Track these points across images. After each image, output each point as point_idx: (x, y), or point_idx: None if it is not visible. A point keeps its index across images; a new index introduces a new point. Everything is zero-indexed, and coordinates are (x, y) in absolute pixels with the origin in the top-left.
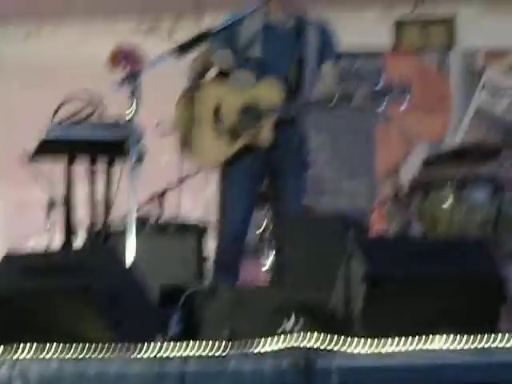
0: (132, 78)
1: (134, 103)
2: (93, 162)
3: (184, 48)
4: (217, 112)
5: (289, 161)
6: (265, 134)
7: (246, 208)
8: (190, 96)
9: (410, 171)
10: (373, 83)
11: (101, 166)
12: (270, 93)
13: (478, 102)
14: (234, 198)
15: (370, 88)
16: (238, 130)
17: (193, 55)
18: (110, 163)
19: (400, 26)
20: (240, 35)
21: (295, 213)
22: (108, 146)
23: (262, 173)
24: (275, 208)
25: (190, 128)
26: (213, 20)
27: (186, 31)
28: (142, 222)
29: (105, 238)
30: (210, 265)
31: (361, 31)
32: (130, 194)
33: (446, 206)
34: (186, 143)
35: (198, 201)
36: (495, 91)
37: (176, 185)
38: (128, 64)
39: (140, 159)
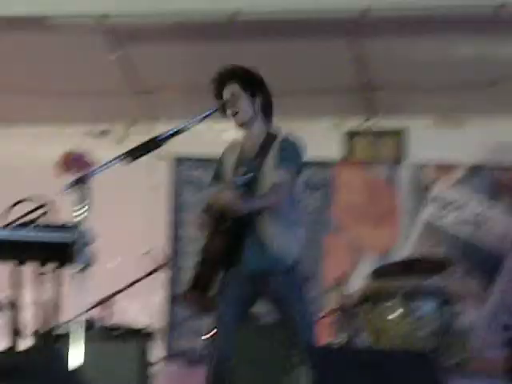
0: (82, 181)
1: (83, 207)
2: (41, 264)
3: (132, 154)
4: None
5: (280, 287)
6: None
7: (234, 327)
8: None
9: (357, 282)
10: None
11: (49, 269)
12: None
13: (427, 215)
14: (223, 318)
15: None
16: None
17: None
18: (59, 266)
19: (350, 136)
20: (222, 168)
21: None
22: (57, 249)
23: (251, 295)
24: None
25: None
26: (165, 128)
27: (139, 137)
28: (89, 326)
29: (52, 341)
30: (153, 370)
31: (312, 140)
32: (77, 297)
33: (393, 316)
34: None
35: (146, 306)
36: (443, 205)
37: (124, 289)
38: (78, 168)
39: (89, 263)
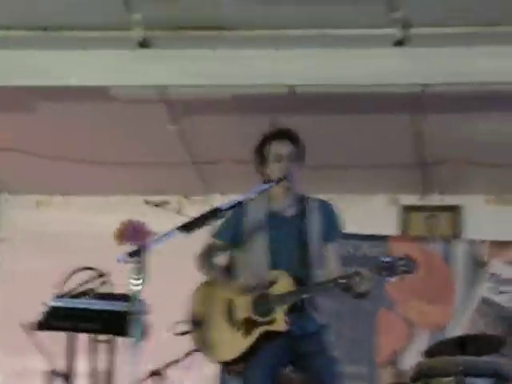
0: (139, 252)
1: (140, 278)
2: (96, 333)
3: (191, 225)
4: (230, 306)
5: (312, 344)
6: (280, 320)
7: None
8: (204, 291)
9: (411, 359)
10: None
11: (104, 338)
12: (280, 282)
13: (482, 292)
14: (256, 380)
15: (376, 262)
16: (253, 322)
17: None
18: (113, 335)
19: (407, 211)
20: (245, 223)
21: None
22: (112, 319)
23: (285, 359)
24: None
25: (204, 323)
26: (221, 201)
27: (195, 208)
28: None
29: None
30: None
31: (368, 215)
32: (131, 367)
33: None
34: (205, 342)
35: (198, 380)
36: (499, 282)
37: (177, 361)
38: (136, 239)
39: (143, 334)
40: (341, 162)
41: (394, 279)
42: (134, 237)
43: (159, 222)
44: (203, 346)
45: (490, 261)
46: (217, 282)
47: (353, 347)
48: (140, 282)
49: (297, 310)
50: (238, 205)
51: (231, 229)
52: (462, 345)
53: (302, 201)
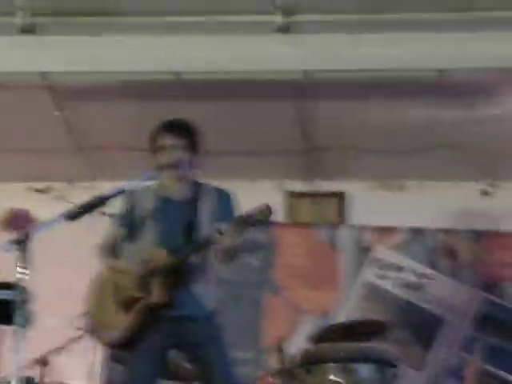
0: (23, 240)
1: (24, 266)
2: None
3: (76, 213)
4: (116, 288)
5: (203, 332)
6: (157, 292)
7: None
8: (97, 278)
9: (296, 344)
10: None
11: None
12: (157, 257)
13: (366, 277)
14: (138, 371)
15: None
16: (134, 299)
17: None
18: None
19: (292, 197)
20: (136, 210)
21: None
22: None
23: (170, 342)
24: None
25: (97, 308)
26: (107, 188)
27: (81, 195)
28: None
29: None
30: None
31: (254, 200)
32: (14, 355)
33: (331, 380)
34: (95, 326)
35: (83, 366)
36: (383, 267)
37: (61, 349)
38: (20, 227)
39: (27, 322)
40: (226, 149)
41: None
42: (18, 224)
43: (43, 208)
44: (93, 331)
45: (374, 246)
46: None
47: (238, 333)
48: (24, 269)
49: (179, 287)
50: (122, 192)
51: (127, 216)
52: (346, 330)
53: (195, 187)
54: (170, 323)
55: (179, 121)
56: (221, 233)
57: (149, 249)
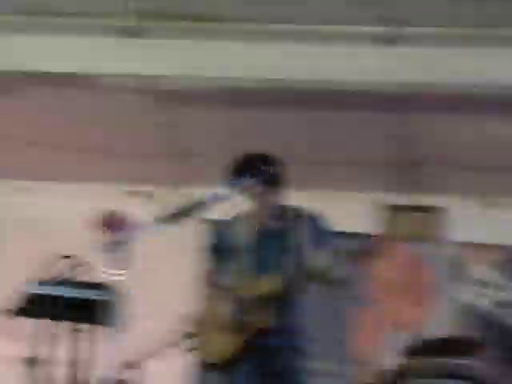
0: (121, 242)
1: (122, 268)
2: (76, 322)
3: (174, 217)
4: (224, 310)
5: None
6: (262, 318)
7: None
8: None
9: (387, 358)
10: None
11: (84, 327)
12: (269, 284)
13: (463, 295)
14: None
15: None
16: (240, 323)
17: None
18: (93, 324)
19: (391, 212)
20: (227, 241)
21: None
22: (92, 307)
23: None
24: None
25: (202, 325)
26: (206, 192)
27: (178, 200)
28: None
29: None
30: None
31: (350, 213)
32: (109, 357)
33: None
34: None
35: (175, 372)
36: (480, 285)
37: (155, 353)
38: (118, 229)
39: (122, 324)
40: (325, 159)
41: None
42: (116, 226)
43: (143, 212)
44: (199, 350)
45: (471, 263)
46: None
47: (325, 344)
48: (121, 271)
49: (281, 315)
50: (219, 200)
51: (219, 247)
52: (441, 346)
53: (285, 214)
54: (262, 352)
55: (248, 160)
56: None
57: (257, 276)
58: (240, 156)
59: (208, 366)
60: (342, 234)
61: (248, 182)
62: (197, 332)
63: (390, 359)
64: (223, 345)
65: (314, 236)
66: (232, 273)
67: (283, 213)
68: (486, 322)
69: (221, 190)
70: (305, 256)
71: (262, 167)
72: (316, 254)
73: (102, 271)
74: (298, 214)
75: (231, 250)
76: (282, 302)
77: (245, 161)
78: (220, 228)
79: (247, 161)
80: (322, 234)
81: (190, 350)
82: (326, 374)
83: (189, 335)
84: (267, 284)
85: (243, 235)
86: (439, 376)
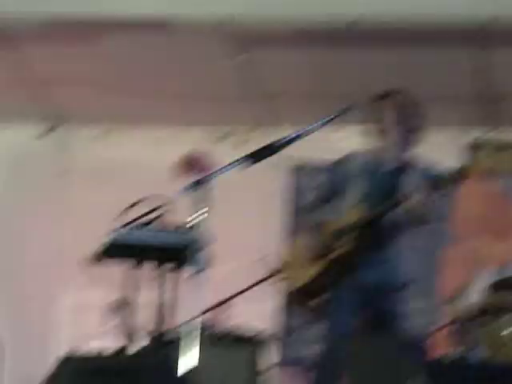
0: (201, 183)
1: (202, 209)
2: (158, 266)
3: (257, 155)
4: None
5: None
6: (347, 245)
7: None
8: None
9: (474, 295)
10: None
11: (166, 270)
12: (353, 214)
13: None
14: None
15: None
16: (326, 249)
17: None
18: (176, 268)
19: (472, 148)
20: (341, 180)
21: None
22: (174, 251)
23: (361, 307)
24: None
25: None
26: (288, 132)
27: (260, 141)
28: (205, 330)
29: (164, 344)
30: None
31: (433, 151)
32: (193, 300)
33: (507, 332)
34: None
35: (261, 312)
36: None
37: (239, 294)
38: (198, 170)
39: (206, 266)
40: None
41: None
42: (196, 168)
43: (221, 156)
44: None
45: None
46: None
47: (415, 283)
48: (201, 213)
49: (371, 247)
50: (297, 138)
51: (332, 187)
52: None
53: (403, 160)
54: (358, 290)
55: (393, 93)
56: (409, 196)
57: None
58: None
59: (294, 297)
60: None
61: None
62: (285, 267)
63: (477, 295)
64: (307, 271)
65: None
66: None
67: (402, 158)
68: None
69: (300, 130)
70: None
71: (403, 102)
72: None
73: (188, 213)
74: (413, 164)
75: (340, 189)
76: (368, 232)
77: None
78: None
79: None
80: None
81: (278, 283)
82: (413, 312)
83: (276, 271)
84: (354, 213)
85: (359, 173)
86: None
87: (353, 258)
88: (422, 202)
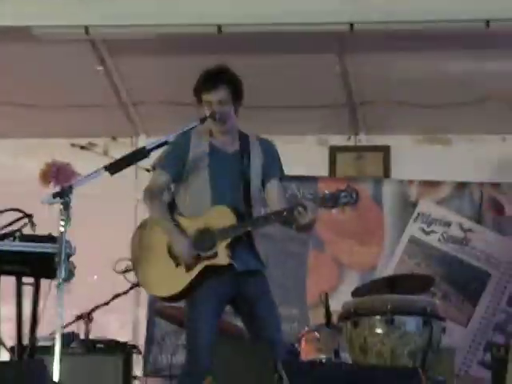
0: (63, 193)
1: (65, 219)
2: (22, 276)
3: (117, 165)
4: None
5: (256, 285)
6: (222, 254)
7: (212, 328)
8: (144, 231)
9: (342, 299)
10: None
11: (29, 281)
12: (221, 218)
13: (412, 231)
14: (201, 317)
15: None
16: (194, 257)
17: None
18: (38, 278)
19: (335, 153)
20: (187, 158)
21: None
22: (37, 261)
23: (228, 297)
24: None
25: (141, 259)
26: (147, 142)
27: (122, 150)
28: (69, 340)
29: (31, 354)
30: None
31: (297, 156)
32: (57, 309)
33: (377, 333)
34: (143, 276)
35: (127, 322)
36: (428, 222)
37: (104, 305)
38: (60, 180)
39: (69, 275)
40: (270, 103)
41: (335, 211)
42: (59, 177)
43: (86, 164)
44: (145, 283)
45: (419, 201)
46: (159, 220)
47: (283, 289)
48: (65, 223)
49: (240, 246)
50: (162, 145)
51: (175, 163)
52: (391, 285)
53: (243, 139)
54: (232, 277)
55: (221, 71)
56: (304, 208)
57: (210, 206)
58: (213, 67)
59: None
60: (290, 177)
61: (223, 93)
62: (136, 262)
63: (343, 300)
64: (174, 278)
65: (268, 161)
66: (184, 200)
67: (240, 138)
68: (437, 258)
69: (165, 137)
70: (259, 183)
71: (233, 79)
72: (271, 184)
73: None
74: (252, 141)
75: (187, 164)
76: (243, 236)
77: (216, 72)
78: (179, 139)
79: (218, 72)
80: (273, 163)
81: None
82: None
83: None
84: (224, 215)
85: (202, 149)
86: (390, 312)
87: (227, 261)
88: (309, 216)
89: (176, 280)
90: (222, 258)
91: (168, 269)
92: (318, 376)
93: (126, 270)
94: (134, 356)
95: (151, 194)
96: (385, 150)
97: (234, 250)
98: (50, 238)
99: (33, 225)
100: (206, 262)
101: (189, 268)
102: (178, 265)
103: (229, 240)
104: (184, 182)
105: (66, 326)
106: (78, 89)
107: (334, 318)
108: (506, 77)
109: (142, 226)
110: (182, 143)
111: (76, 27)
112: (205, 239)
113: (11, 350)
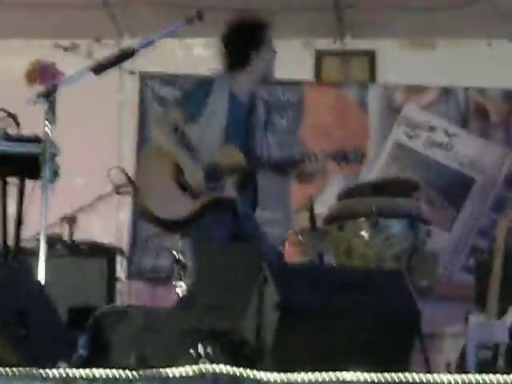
0: (48, 93)
1: (50, 119)
2: (6, 176)
3: (103, 66)
4: (180, 171)
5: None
6: (230, 188)
7: None
8: (153, 151)
9: (326, 203)
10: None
11: (13, 181)
12: (230, 156)
13: (396, 136)
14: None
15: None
16: (202, 188)
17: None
18: (23, 179)
19: (320, 57)
20: (208, 102)
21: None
22: (21, 161)
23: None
24: None
25: (150, 180)
26: (133, 42)
27: (106, 52)
28: (54, 242)
29: (15, 255)
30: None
31: (281, 61)
32: (42, 210)
33: (361, 236)
34: (143, 195)
35: (110, 225)
36: (413, 126)
37: (88, 207)
38: (45, 80)
39: (54, 176)
40: (255, 6)
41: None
42: (44, 77)
43: (70, 66)
44: (145, 201)
45: (405, 105)
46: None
47: (268, 193)
48: (50, 123)
49: (244, 189)
50: (146, 45)
51: (194, 102)
52: (375, 188)
53: (252, 96)
54: (232, 217)
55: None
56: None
57: (223, 146)
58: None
59: (153, 219)
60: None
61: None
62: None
63: (328, 204)
64: (181, 204)
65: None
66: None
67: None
68: (421, 163)
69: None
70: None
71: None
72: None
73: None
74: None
75: (203, 107)
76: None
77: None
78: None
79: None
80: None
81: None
82: (267, 222)
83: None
84: (234, 154)
85: (222, 100)
86: (379, 215)
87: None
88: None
89: (183, 206)
90: (229, 191)
91: (174, 194)
92: (305, 277)
93: (120, 186)
94: (118, 258)
95: (164, 124)
96: (370, 55)
97: (240, 188)
98: (35, 139)
99: (18, 125)
100: (213, 194)
101: (196, 196)
102: (185, 191)
103: (236, 177)
104: (199, 124)
105: (50, 227)
106: None
107: (319, 222)
108: None
109: (147, 152)
110: (202, 89)
111: None
112: (215, 172)
113: None
